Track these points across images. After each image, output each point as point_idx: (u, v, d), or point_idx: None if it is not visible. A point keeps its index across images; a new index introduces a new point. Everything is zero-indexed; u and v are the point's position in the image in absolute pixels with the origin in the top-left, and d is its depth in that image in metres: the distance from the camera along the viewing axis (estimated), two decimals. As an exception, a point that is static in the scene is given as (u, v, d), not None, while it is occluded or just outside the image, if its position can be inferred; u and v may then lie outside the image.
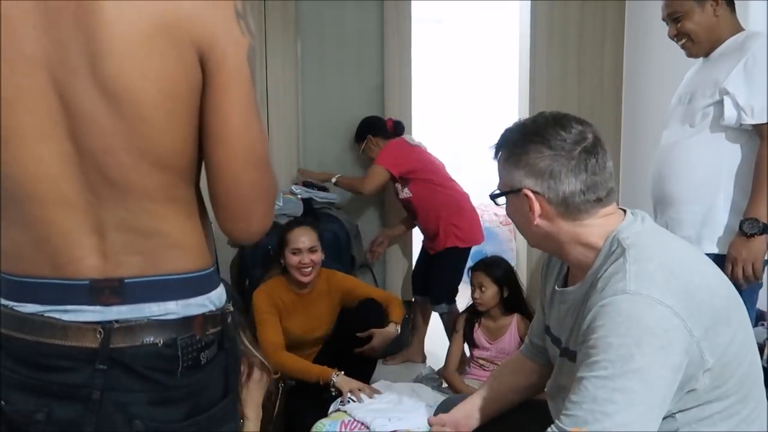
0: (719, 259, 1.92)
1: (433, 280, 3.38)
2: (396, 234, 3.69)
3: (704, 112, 2.04)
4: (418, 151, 3.37)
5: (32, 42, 0.80)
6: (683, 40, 2.12)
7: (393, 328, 2.64)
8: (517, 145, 1.29)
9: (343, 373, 2.38)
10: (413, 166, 3.29)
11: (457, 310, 3.34)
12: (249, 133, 0.88)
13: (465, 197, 3.44)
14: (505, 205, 1.37)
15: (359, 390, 2.30)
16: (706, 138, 2.04)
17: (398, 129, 3.46)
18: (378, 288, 3.05)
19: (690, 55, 2.15)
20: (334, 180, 3.44)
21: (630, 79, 3.89)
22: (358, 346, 2.62)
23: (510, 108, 4.08)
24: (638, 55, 3.79)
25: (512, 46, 4.10)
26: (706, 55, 2.12)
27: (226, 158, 0.87)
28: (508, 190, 1.32)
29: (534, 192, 1.26)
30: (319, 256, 2.63)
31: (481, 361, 2.74)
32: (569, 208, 1.26)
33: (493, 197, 1.37)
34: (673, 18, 2.11)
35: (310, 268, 2.60)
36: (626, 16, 3.86)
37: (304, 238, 2.60)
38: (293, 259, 2.59)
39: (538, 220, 1.28)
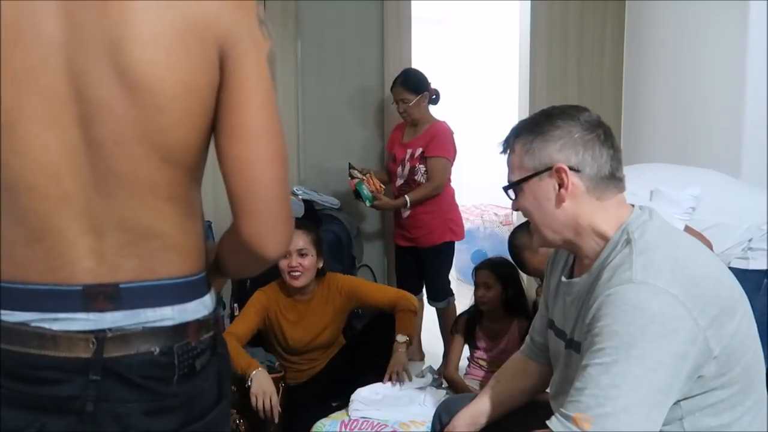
0: None
1: (433, 275, 3.32)
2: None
3: None
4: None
5: (51, 23, 0.79)
6: None
7: (401, 349, 2.38)
8: (544, 125, 1.31)
9: (266, 370, 2.28)
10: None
11: (454, 305, 3.35)
12: (272, 129, 0.87)
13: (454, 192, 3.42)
14: (515, 201, 1.35)
15: (270, 397, 2.21)
16: None
17: (437, 99, 3.36)
18: (383, 286, 2.84)
19: None
20: (408, 206, 3.20)
21: (630, 79, 3.88)
22: (377, 355, 2.42)
23: (510, 108, 4.07)
24: (638, 55, 3.79)
25: (512, 46, 4.09)
26: None
27: (249, 154, 0.86)
28: (533, 173, 1.30)
29: (568, 167, 1.27)
30: (310, 261, 2.46)
31: (480, 362, 2.74)
32: (599, 183, 1.28)
33: (512, 185, 1.35)
34: None
35: (298, 273, 2.45)
36: (626, 16, 3.86)
37: (294, 240, 2.44)
38: (282, 262, 2.43)
39: (567, 200, 1.28)
